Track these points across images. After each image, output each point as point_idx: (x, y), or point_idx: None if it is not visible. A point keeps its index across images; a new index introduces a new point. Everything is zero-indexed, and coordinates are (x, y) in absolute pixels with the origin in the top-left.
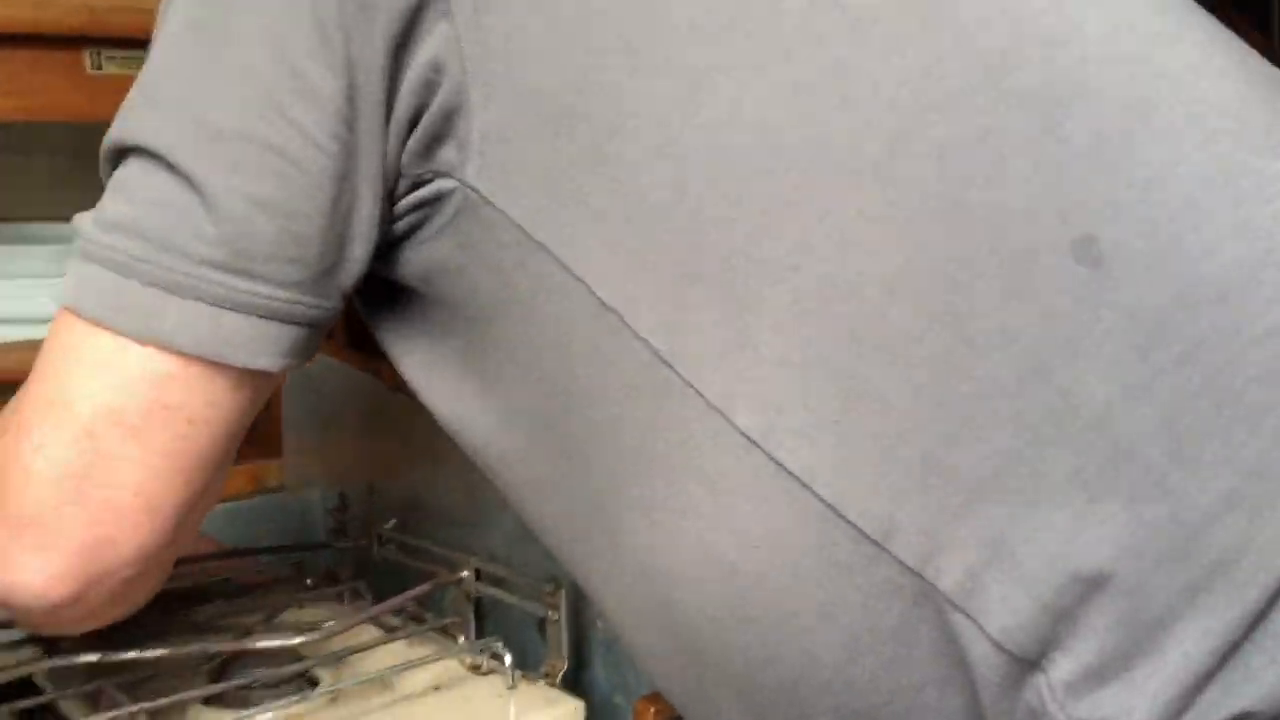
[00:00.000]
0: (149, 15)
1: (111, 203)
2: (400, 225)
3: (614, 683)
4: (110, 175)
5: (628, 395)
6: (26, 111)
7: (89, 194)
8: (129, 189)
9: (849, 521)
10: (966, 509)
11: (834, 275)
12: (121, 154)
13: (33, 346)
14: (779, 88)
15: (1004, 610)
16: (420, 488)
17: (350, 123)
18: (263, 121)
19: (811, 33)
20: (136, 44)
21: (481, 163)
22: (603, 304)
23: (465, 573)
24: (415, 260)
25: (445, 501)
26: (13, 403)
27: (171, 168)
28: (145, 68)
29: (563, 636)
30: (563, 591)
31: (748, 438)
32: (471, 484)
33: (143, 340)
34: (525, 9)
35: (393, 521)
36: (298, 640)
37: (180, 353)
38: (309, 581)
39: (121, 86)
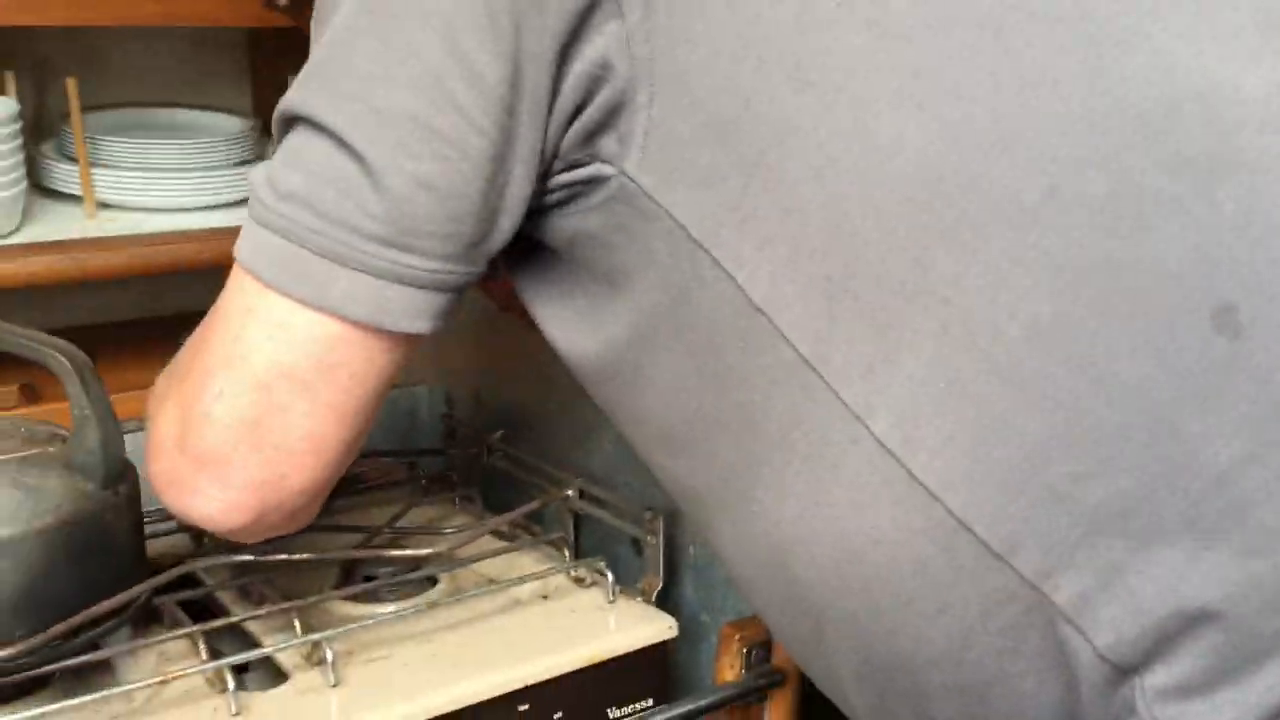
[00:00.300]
0: None
1: (284, 170)
2: (550, 198)
3: (702, 603)
4: (282, 137)
5: (771, 387)
6: (167, 16)
7: (206, 84)
8: (301, 159)
9: (975, 535)
10: (1087, 538)
11: (981, 312)
12: (292, 121)
13: (171, 238)
14: (942, 127)
15: (1112, 629)
16: (526, 404)
17: (512, 109)
18: (429, 105)
19: (979, 77)
20: None
21: (642, 157)
22: (753, 304)
23: (570, 491)
24: (562, 228)
25: (549, 420)
26: (189, 346)
27: (341, 143)
28: (321, 41)
29: (659, 558)
30: (661, 518)
31: (884, 446)
32: (575, 407)
33: (313, 306)
34: (695, 16)
35: (500, 433)
36: (427, 551)
37: (346, 319)
38: (423, 482)
39: None
